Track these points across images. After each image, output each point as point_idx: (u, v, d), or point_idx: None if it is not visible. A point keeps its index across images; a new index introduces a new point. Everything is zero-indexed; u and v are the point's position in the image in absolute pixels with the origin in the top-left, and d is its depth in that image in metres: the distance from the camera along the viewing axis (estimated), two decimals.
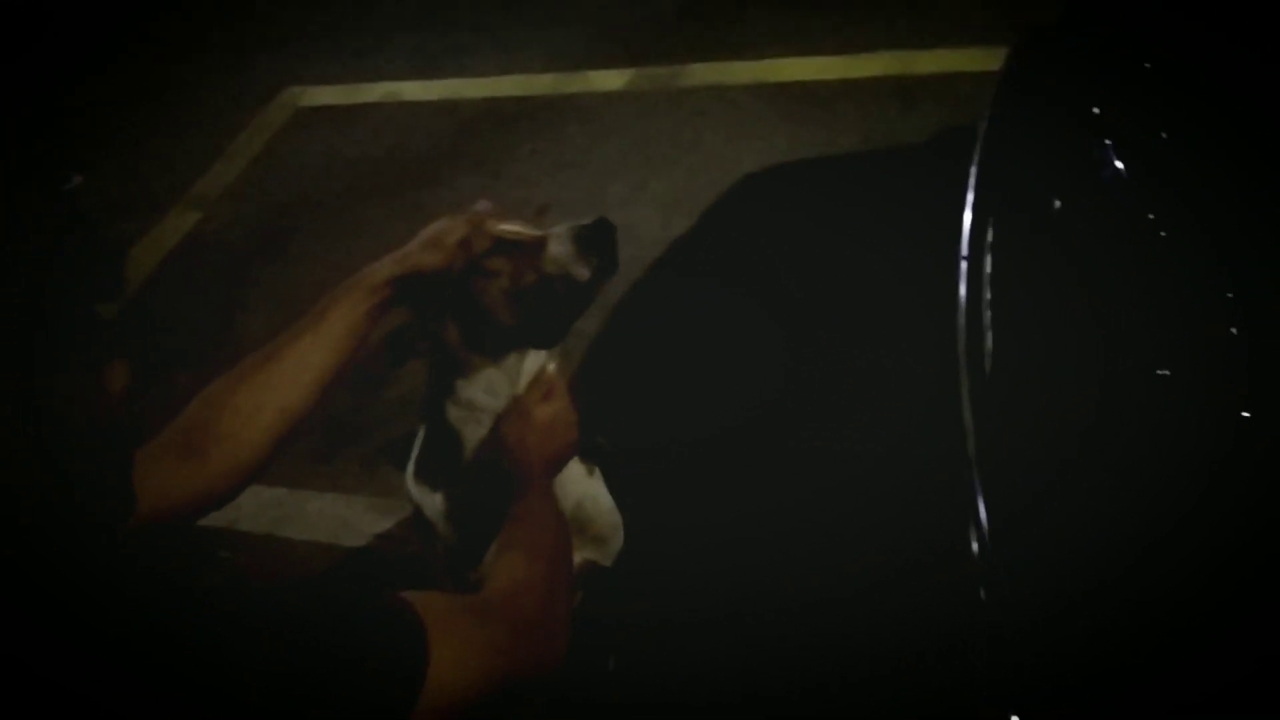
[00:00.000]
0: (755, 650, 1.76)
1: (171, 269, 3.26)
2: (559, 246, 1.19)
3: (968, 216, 1.71)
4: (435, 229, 1.20)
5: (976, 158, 1.79)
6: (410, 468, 1.45)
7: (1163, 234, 1.17)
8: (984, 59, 2.94)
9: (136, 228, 3.46)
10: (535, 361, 1.28)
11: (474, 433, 1.30)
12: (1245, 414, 0.96)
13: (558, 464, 1.27)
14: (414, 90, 3.92)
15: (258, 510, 2.21)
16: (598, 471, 1.50)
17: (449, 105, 3.77)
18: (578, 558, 1.46)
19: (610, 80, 3.66)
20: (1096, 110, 1.41)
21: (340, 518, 2.13)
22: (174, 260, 3.29)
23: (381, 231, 3.11)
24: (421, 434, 1.43)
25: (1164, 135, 1.25)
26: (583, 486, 1.45)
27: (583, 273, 1.18)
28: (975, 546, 1.26)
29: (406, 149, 3.57)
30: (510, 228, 1.23)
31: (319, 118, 3.93)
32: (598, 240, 1.18)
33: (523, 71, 3.86)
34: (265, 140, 3.84)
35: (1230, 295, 1.09)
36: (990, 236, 1.67)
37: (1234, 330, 1.04)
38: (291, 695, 0.70)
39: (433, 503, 1.41)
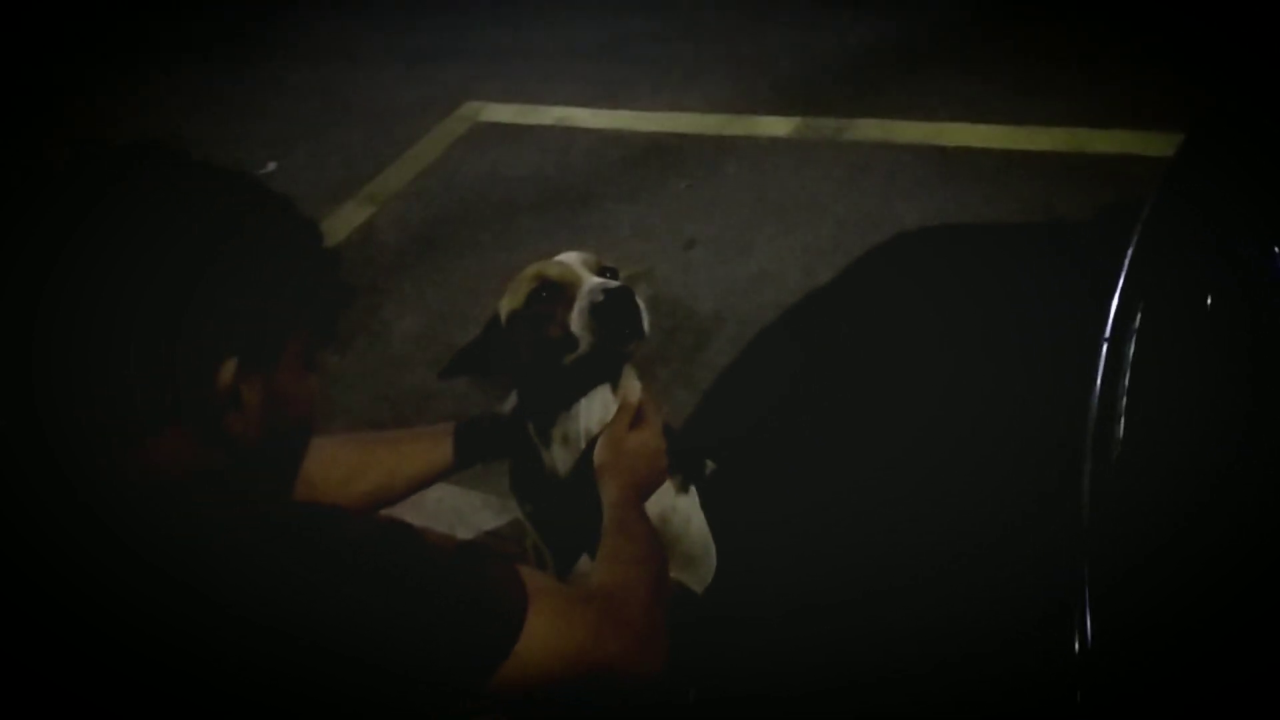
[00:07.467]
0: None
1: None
2: (579, 309, 1.13)
3: (1116, 298, 1.67)
4: None
5: (1134, 241, 1.75)
6: (507, 479, 1.49)
7: None
8: (1159, 143, 2.86)
9: (313, 216, 3.68)
10: (606, 400, 1.28)
11: (559, 455, 1.32)
12: None
13: (647, 490, 1.27)
14: (585, 117, 4.08)
15: None
16: (693, 491, 1.48)
17: (616, 135, 3.89)
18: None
19: (776, 126, 3.72)
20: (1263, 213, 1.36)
21: (457, 509, 2.21)
22: (343, 249, 3.50)
23: (531, 245, 3.24)
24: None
25: None
26: (668, 500, 1.42)
27: (589, 341, 1.13)
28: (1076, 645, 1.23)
29: (568, 172, 3.70)
30: (559, 265, 1.22)
31: (493, 133, 4.12)
32: (611, 314, 1.12)
33: (692, 110, 3.97)
34: (443, 149, 4.05)
35: None
36: (1137, 322, 1.63)
37: None
38: (389, 628, 0.75)
39: (526, 512, 1.46)
